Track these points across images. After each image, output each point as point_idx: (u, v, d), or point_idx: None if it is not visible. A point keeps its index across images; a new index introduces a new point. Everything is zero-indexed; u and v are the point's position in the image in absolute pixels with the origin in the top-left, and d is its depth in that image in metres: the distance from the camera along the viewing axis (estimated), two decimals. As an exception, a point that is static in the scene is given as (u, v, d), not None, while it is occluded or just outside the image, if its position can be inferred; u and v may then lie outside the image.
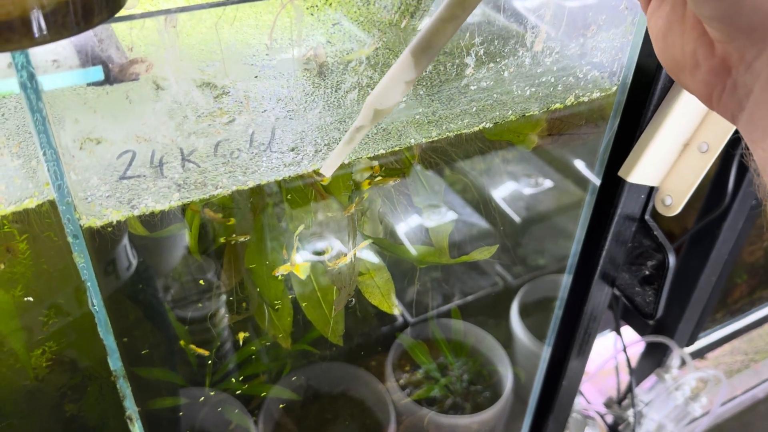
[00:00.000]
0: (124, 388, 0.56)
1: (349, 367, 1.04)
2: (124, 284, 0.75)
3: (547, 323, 0.93)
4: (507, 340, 1.13)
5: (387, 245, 0.74)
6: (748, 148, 0.29)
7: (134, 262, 0.74)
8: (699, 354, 1.56)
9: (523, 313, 1.14)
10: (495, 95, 0.57)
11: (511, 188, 1.00)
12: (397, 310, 1.06)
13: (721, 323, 1.55)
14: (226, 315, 0.80)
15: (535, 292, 1.13)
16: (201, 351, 0.78)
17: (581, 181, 0.77)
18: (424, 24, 0.33)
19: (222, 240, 0.74)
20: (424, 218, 0.80)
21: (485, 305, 1.15)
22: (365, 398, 1.07)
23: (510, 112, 0.58)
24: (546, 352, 0.94)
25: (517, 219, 1.01)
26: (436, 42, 0.33)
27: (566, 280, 0.83)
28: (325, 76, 0.58)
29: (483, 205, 0.94)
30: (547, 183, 1.01)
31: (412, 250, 0.82)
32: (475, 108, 0.57)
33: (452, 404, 1.11)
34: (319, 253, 0.74)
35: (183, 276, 0.76)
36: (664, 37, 0.31)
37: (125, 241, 0.71)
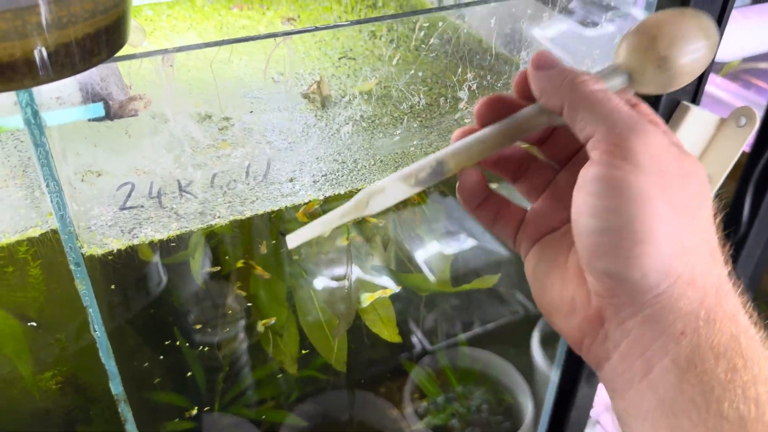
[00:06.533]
0: (126, 412, 0.57)
1: (360, 393, 1.04)
2: (134, 311, 0.77)
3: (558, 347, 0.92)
4: (528, 369, 1.13)
5: (389, 273, 0.75)
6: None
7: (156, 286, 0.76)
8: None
9: (545, 342, 1.13)
10: (490, 127, 0.58)
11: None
12: (414, 337, 1.06)
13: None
14: (234, 341, 0.81)
15: None
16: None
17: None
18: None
19: (237, 263, 0.75)
20: (428, 246, 0.81)
21: (506, 333, 1.15)
22: (378, 425, 1.07)
23: (506, 143, 0.59)
24: (554, 380, 0.93)
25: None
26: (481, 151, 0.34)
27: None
28: (327, 108, 0.60)
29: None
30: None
31: (430, 275, 0.83)
32: (470, 140, 0.58)
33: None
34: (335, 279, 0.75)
35: (191, 302, 0.77)
36: (543, 280, 0.33)
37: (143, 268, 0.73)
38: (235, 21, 0.84)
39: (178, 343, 0.82)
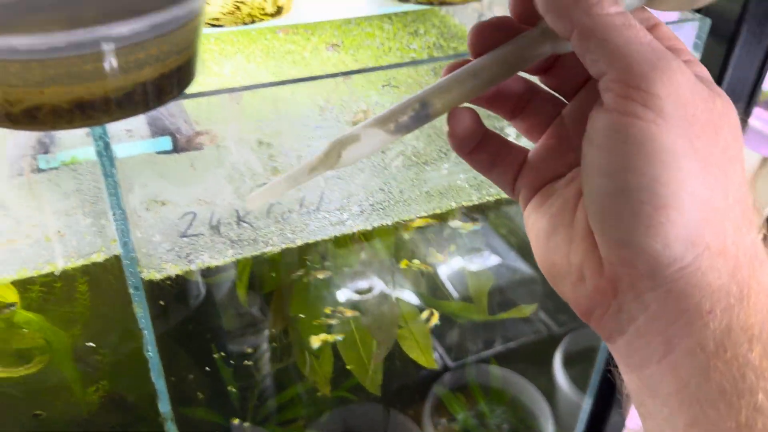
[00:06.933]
0: (171, 430, 0.59)
1: (386, 411, 1.05)
2: (173, 327, 0.79)
3: (591, 374, 0.92)
4: (549, 390, 1.12)
5: (427, 300, 0.76)
6: (616, 367, 0.27)
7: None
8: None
9: (567, 363, 1.13)
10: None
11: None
12: (440, 355, 1.07)
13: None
14: (270, 360, 0.83)
15: (580, 341, 1.12)
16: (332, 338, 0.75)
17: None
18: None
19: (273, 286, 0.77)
20: (464, 263, 0.82)
21: (527, 353, 1.15)
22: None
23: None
24: (587, 405, 0.93)
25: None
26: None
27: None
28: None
29: (528, 249, 0.95)
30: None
31: (453, 292, 0.84)
32: (515, 174, 0.59)
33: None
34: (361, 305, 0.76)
35: (232, 321, 0.79)
36: (546, 239, 0.28)
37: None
38: (280, 45, 0.86)
39: (215, 359, 0.83)
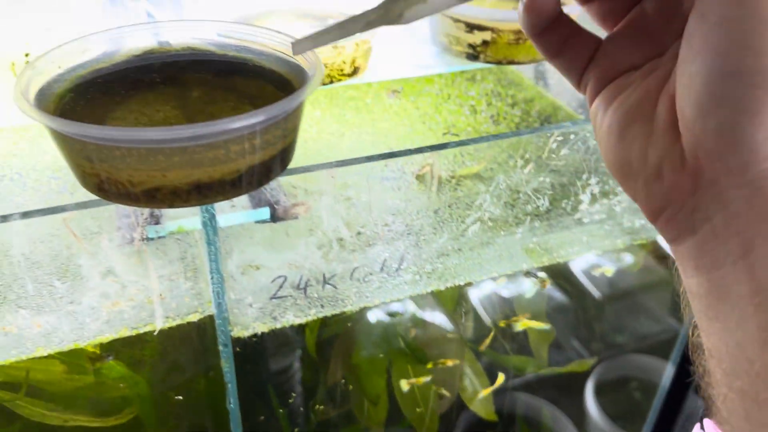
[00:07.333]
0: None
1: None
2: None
3: (623, 404, 0.92)
4: (580, 419, 1.11)
5: (489, 355, 0.77)
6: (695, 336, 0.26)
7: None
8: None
9: (599, 392, 1.12)
10: (606, 227, 0.60)
11: (591, 262, 1.01)
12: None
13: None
14: (326, 404, 0.85)
15: (613, 371, 1.10)
16: None
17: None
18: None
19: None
20: (502, 287, 0.82)
21: (559, 381, 1.14)
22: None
23: (619, 241, 0.62)
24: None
25: (596, 294, 1.01)
26: None
27: (669, 370, 0.82)
28: (441, 192, 0.63)
29: (561, 276, 0.95)
30: (628, 258, 1.01)
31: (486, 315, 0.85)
32: (585, 238, 0.61)
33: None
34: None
35: (294, 366, 0.81)
36: (620, 134, 0.26)
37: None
38: (343, 91, 0.89)
39: (273, 401, 0.85)
